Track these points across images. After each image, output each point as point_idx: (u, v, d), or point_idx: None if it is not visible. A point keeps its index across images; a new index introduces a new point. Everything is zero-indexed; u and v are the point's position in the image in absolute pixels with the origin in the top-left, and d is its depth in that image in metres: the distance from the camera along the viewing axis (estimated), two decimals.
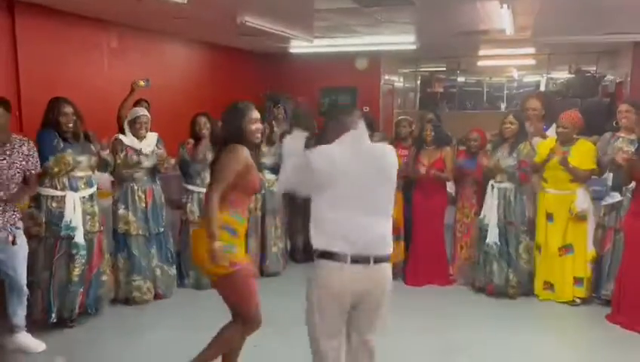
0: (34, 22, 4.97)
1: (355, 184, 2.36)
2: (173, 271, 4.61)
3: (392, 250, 2.47)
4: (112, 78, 5.79)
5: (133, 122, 4.32)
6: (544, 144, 4.50)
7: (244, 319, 2.88)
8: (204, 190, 4.61)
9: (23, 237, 3.54)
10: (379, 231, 2.41)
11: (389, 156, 2.51)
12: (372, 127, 2.60)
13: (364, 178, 2.37)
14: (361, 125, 2.47)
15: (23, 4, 4.82)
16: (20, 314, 3.58)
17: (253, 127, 2.85)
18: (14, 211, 3.45)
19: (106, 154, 4.14)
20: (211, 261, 2.60)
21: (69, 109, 3.82)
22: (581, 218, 4.31)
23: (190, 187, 4.73)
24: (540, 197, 4.53)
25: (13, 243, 3.41)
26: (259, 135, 2.90)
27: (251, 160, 2.81)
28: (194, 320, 4.17)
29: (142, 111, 4.44)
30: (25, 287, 3.55)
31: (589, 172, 4.34)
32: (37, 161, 3.57)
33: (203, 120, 4.71)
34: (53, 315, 3.83)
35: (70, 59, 5.41)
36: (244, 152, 2.78)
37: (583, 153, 4.31)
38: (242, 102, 2.91)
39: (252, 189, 2.93)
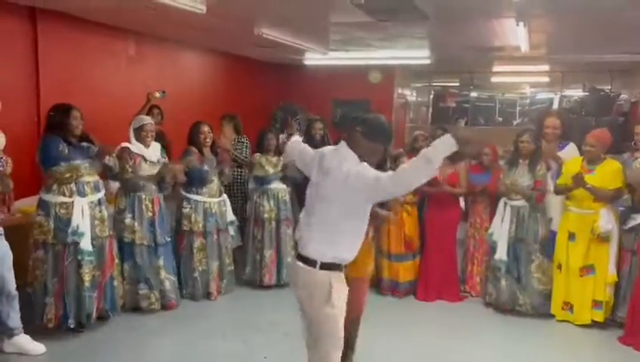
0: (55, 29, 5.05)
1: (312, 187, 2.60)
2: (175, 280, 4.58)
3: (319, 256, 2.47)
4: (129, 85, 5.86)
5: (139, 130, 4.31)
6: (569, 165, 4.43)
7: (357, 318, 3.17)
8: (209, 200, 4.69)
9: (5, 241, 3.49)
10: (303, 232, 2.56)
11: (348, 182, 2.41)
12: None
13: (320, 185, 2.54)
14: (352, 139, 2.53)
15: (44, 11, 4.91)
16: (13, 316, 3.57)
17: None
18: None
19: (108, 159, 4.07)
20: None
21: (78, 114, 3.83)
22: (604, 239, 4.21)
23: (195, 197, 4.67)
24: (563, 216, 4.47)
25: None
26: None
27: None
28: (199, 330, 4.18)
29: (147, 119, 4.45)
30: (14, 291, 3.54)
31: (615, 192, 4.21)
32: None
33: (207, 128, 4.71)
34: (71, 320, 3.83)
35: (89, 66, 5.49)
36: None
37: (607, 173, 4.20)
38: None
39: None
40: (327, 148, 2.69)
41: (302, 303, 2.58)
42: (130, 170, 4.23)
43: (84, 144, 3.90)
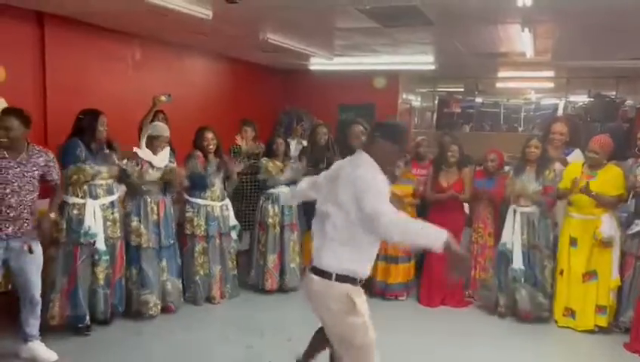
0: (62, 34, 5.09)
1: (321, 197, 2.62)
2: (180, 284, 4.61)
3: (326, 266, 2.45)
4: (135, 89, 5.89)
5: (154, 138, 4.37)
6: (570, 169, 4.43)
7: None
8: (212, 203, 4.71)
9: (39, 246, 3.58)
10: (317, 244, 2.55)
11: (349, 186, 2.40)
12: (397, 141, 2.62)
13: (331, 192, 2.52)
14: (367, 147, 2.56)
15: (52, 16, 4.95)
16: (32, 322, 3.61)
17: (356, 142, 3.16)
18: (27, 220, 3.47)
19: (124, 164, 4.21)
20: None
21: (105, 119, 4.00)
22: (606, 244, 4.21)
23: (198, 201, 4.68)
24: (565, 221, 4.46)
25: (30, 251, 3.45)
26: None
27: None
28: (202, 334, 4.19)
29: (165, 130, 4.47)
30: (37, 296, 3.59)
31: (617, 198, 4.22)
32: (58, 172, 3.68)
33: (211, 135, 4.73)
34: (87, 318, 3.96)
35: (96, 70, 5.52)
36: None
37: (609, 179, 4.21)
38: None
39: None
40: (345, 160, 2.64)
41: (320, 317, 2.53)
42: (136, 175, 4.27)
43: (106, 151, 4.06)
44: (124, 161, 4.21)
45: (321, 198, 2.61)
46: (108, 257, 4.00)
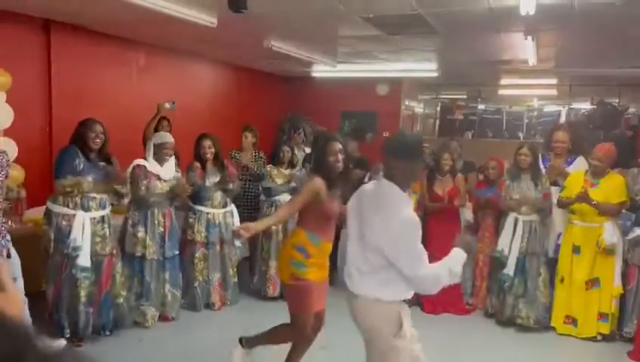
0: (68, 41, 5.12)
1: (355, 229, 2.51)
2: (179, 293, 4.58)
3: (373, 293, 2.39)
4: (139, 96, 5.92)
5: (160, 147, 4.33)
6: (572, 178, 4.44)
7: (293, 327, 3.17)
8: (212, 210, 4.72)
9: (13, 249, 3.48)
10: (358, 271, 2.46)
11: (380, 231, 2.32)
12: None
13: (365, 227, 2.42)
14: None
15: (58, 23, 4.98)
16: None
17: (332, 158, 3.07)
18: (3, 223, 3.39)
19: (120, 187, 4.05)
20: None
21: (98, 127, 3.84)
22: (609, 252, 4.22)
23: (199, 208, 4.69)
24: (567, 229, 4.47)
25: (8, 256, 3.37)
26: (339, 165, 3.07)
27: (324, 189, 3.00)
28: (202, 341, 4.19)
29: (169, 137, 4.43)
30: (23, 296, 3.52)
31: (619, 205, 4.23)
32: (8, 172, 3.47)
33: (208, 143, 4.71)
34: (67, 331, 3.82)
35: (100, 77, 5.55)
36: (316, 183, 3.00)
37: (611, 186, 4.22)
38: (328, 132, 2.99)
39: (325, 217, 3.08)
40: (363, 189, 2.57)
41: (367, 338, 2.45)
42: (143, 188, 4.22)
43: (102, 163, 3.91)
44: (120, 186, 4.04)
45: (350, 235, 2.52)
46: (88, 273, 3.80)
